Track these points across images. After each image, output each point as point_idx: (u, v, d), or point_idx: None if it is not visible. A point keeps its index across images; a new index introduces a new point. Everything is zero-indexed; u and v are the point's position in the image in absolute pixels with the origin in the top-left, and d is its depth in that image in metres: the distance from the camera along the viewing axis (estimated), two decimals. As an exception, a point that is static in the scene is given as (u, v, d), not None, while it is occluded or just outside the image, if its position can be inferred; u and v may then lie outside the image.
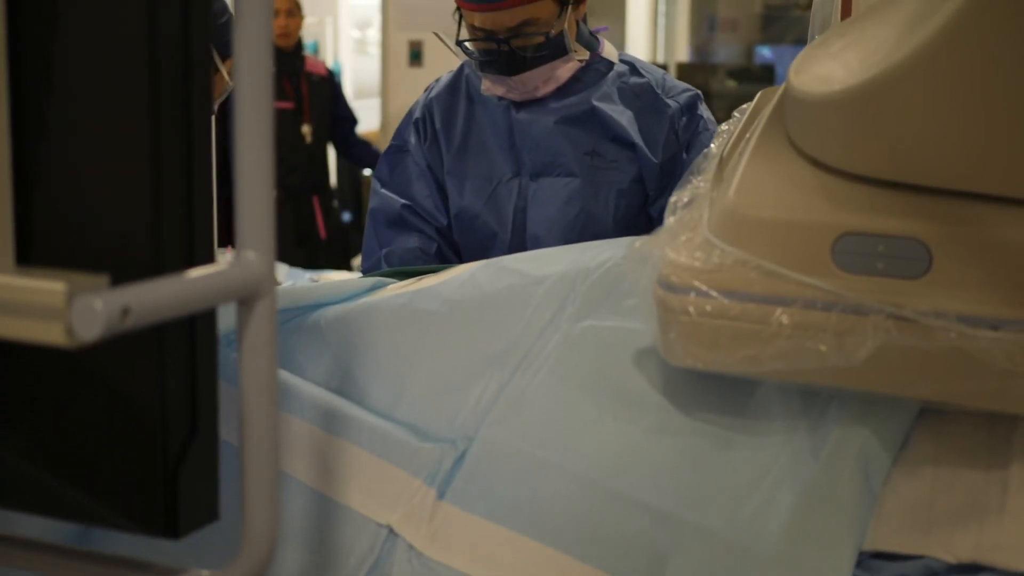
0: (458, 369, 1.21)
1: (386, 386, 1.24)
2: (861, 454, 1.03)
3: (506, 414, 1.15)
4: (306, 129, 5.04)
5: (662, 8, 8.28)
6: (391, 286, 1.39)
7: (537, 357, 1.19)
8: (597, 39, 2.00)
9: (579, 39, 1.95)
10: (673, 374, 1.11)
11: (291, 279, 3.32)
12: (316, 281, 3.31)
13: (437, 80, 2.07)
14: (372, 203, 2.03)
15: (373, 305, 1.30)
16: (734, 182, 1.05)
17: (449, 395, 1.20)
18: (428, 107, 2.02)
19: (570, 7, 1.85)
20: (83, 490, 0.88)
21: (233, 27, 0.82)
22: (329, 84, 5.19)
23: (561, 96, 1.92)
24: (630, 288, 1.10)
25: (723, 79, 6.43)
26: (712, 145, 1.22)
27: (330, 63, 7.68)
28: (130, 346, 0.81)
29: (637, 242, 1.06)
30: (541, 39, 1.82)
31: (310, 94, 5.05)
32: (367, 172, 5.58)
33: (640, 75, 1.96)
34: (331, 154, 5.43)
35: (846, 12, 1.43)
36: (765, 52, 8.32)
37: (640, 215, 1.92)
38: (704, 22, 8.59)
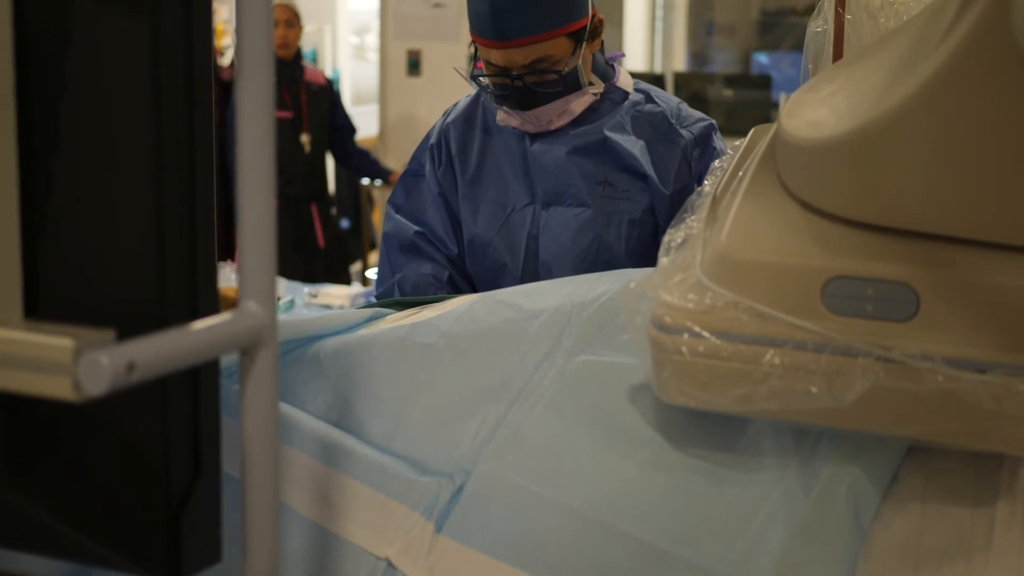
0: (456, 403, 1.23)
1: (384, 419, 1.25)
2: (851, 491, 1.05)
3: (503, 448, 1.17)
4: (305, 138, 5.06)
5: (660, 14, 8.30)
6: (389, 317, 1.41)
7: (534, 392, 1.21)
8: (613, 68, 2.01)
9: (595, 69, 1.96)
10: (667, 409, 1.13)
11: (290, 293, 3.34)
12: (315, 295, 3.33)
13: (455, 105, 2.08)
14: (386, 227, 2.05)
15: (372, 338, 1.32)
16: (727, 224, 1.07)
17: (447, 428, 1.22)
18: (444, 132, 2.04)
19: (584, 43, 1.86)
20: (87, 531, 0.90)
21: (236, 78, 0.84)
22: (328, 93, 5.21)
23: (575, 125, 1.93)
24: (625, 323, 1.12)
25: (720, 88, 6.45)
26: (706, 183, 1.24)
27: (329, 70, 7.70)
28: (134, 392, 0.82)
29: (632, 282, 1.08)
30: (554, 76, 1.83)
31: (309, 103, 5.07)
32: (365, 181, 5.59)
33: (655, 104, 1.97)
34: (330, 162, 5.45)
35: (838, 47, 1.45)
36: (762, 59, 8.34)
37: (652, 244, 1.93)
38: (701, 28, 8.62)
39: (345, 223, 6.16)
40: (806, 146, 1.05)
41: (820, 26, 1.57)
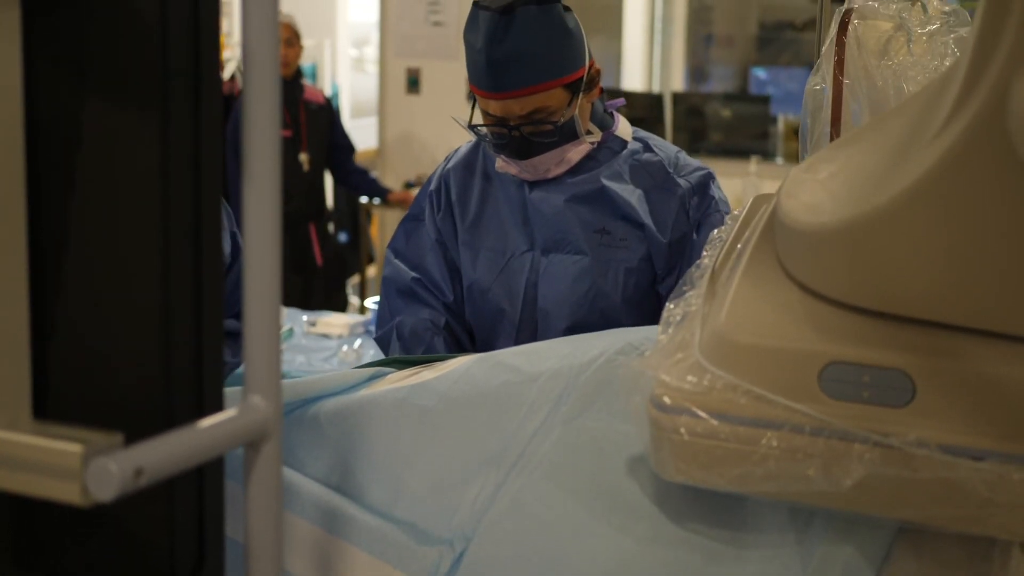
0: (455, 468, 1.25)
1: (384, 483, 1.27)
2: (846, 570, 1.06)
3: (502, 517, 1.18)
4: (304, 157, 5.07)
5: (658, 26, 8.32)
6: (389, 376, 1.42)
7: (532, 458, 1.22)
8: (612, 116, 2.02)
9: (593, 117, 1.97)
10: (665, 482, 1.14)
11: (289, 321, 3.35)
12: (313, 323, 3.34)
13: (456, 151, 2.10)
14: (386, 271, 2.07)
15: (372, 400, 1.33)
16: (725, 306, 1.08)
17: (446, 494, 1.23)
18: (444, 178, 2.05)
19: (580, 94, 1.88)
20: (92, 616, 0.91)
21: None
22: (327, 112, 5.23)
23: (573, 173, 1.95)
24: (624, 401, 1.13)
25: (718, 108, 6.47)
26: (704, 255, 1.25)
27: (328, 83, 7.72)
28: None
29: (633, 362, 1.09)
30: (550, 127, 1.85)
31: (308, 122, 5.09)
32: (364, 199, 5.60)
33: (653, 153, 1.98)
34: (328, 179, 5.47)
35: (836, 110, 1.46)
36: (760, 73, 8.35)
37: (649, 293, 1.94)
38: (700, 43, 8.63)
39: (343, 237, 6.18)
40: (805, 231, 1.06)
41: (818, 83, 1.58)
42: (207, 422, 0.83)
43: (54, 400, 0.84)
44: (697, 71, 8.66)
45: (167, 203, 0.82)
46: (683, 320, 1.14)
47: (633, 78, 7.64)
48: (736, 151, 6.09)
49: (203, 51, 0.85)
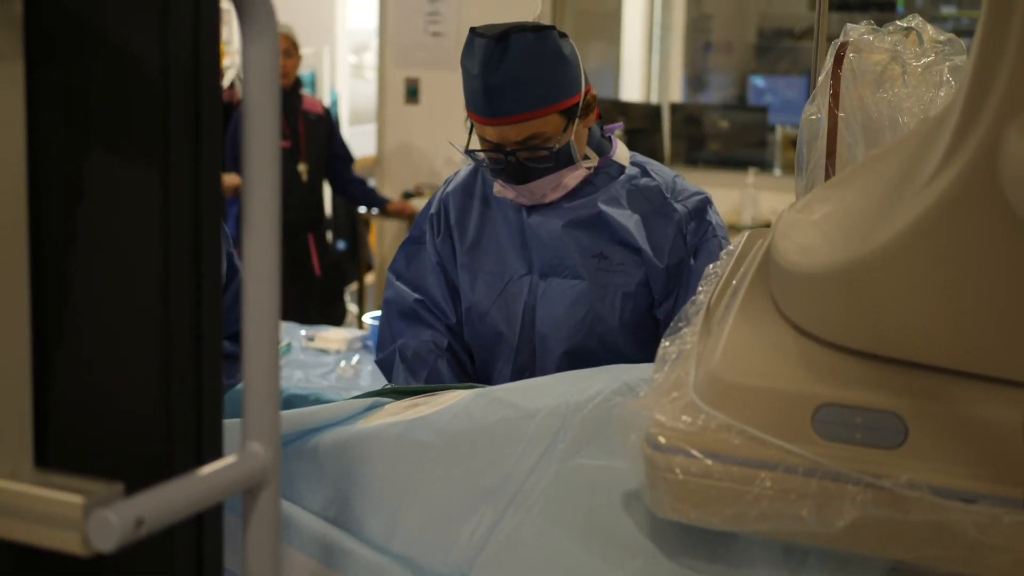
0: (452, 503, 1.26)
1: (382, 517, 1.28)
2: (839, 607, 1.07)
3: (498, 553, 1.19)
4: (302, 167, 5.08)
5: (657, 33, 8.34)
6: (388, 407, 1.43)
7: (529, 495, 1.23)
8: (610, 141, 2.03)
9: (590, 142, 1.98)
10: (659, 519, 1.15)
11: (287, 336, 3.35)
12: (312, 338, 3.35)
13: (455, 174, 2.11)
14: (387, 294, 2.08)
15: (370, 434, 1.34)
16: (720, 346, 1.09)
17: (443, 529, 1.24)
18: (444, 202, 2.06)
19: (577, 120, 1.89)
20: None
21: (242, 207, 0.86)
22: (326, 122, 5.23)
23: (570, 198, 1.96)
24: (620, 441, 1.14)
25: (716, 118, 6.48)
26: (700, 291, 1.26)
27: (327, 91, 7.72)
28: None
29: (629, 402, 1.10)
30: (545, 153, 1.86)
31: (306, 132, 5.09)
32: (362, 209, 5.61)
33: (651, 178, 1.99)
34: (326, 188, 5.47)
35: (831, 142, 1.47)
36: (758, 82, 8.37)
37: (646, 317, 1.95)
38: (698, 51, 8.65)
39: (341, 245, 6.19)
40: (799, 272, 1.08)
41: (814, 113, 1.59)
42: (207, 470, 0.84)
43: (55, 447, 0.85)
44: (695, 79, 8.68)
45: (168, 251, 0.83)
46: (678, 358, 1.15)
47: (631, 88, 7.65)
48: (734, 161, 6.11)
49: (204, 98, 0.86)
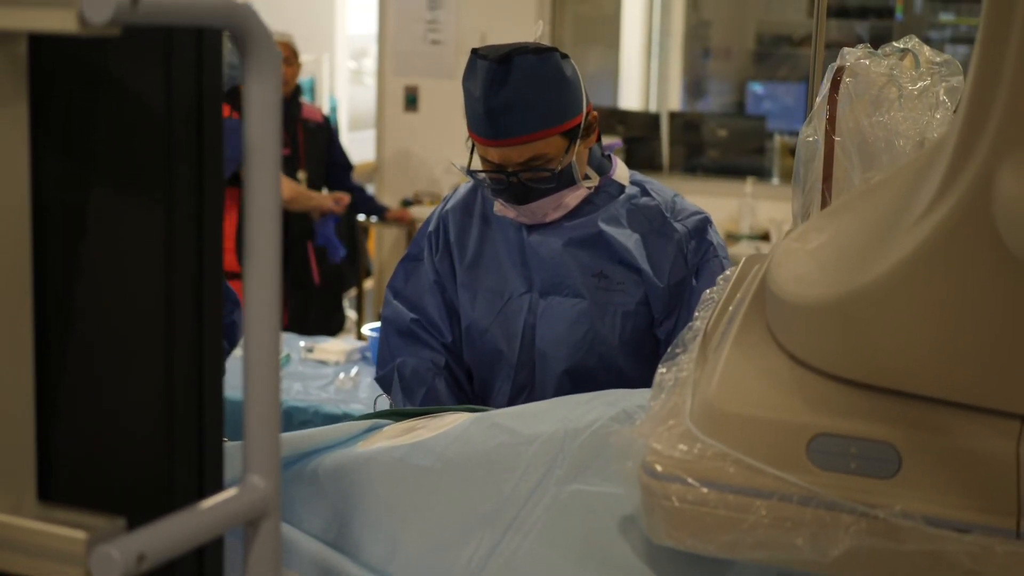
0: (451, 527, 1.26)
1: (381, 541, 1.29)
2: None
3: (496, 578, 1.20)
4: (302, 175, 5.09)
5: (656, 39, 8.36)
6: (387, 430, 1.44)
7: (527, 520, 1.24)
8: (610, 160, 2.04)
9: (591, 161, 1.99)
10: (656, 545, 1.16)
11: (285, 347, 3.36)
12: (311, 350, 3.36)
13: (454, 191, 2.12)
14: (385, 312, 2.09)
15: (370, 457, 1.35)
16: (716, 374, 1.10)
17: (442, 553, 1.25)
18: (443, 219, 2.07)
19: (578, 140, 1.90)
20: None
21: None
22: (325, 131, 5.24)
23: (570, 218, 1.97)
24: (616, 467, 1.15)
25: (715, 127, 6.50)
26: (697, 317, 1.27)
27: (327, 98, 7.73)
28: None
29: (625, 430, 1.11)
30: (547, 174, 1.87)
31: (306, 141, 5.10)
32: (361, 217, 5.62)
33: (650, 197, 2.00)
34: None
35: (828, 167, 1.48)
36: (757, 88, 8.39)
37: (646, 336, 1.96)
38: (697, 56, 8.67)
39: (340, 251, 6.19)
40: (794, 302, 1.09)
41: (811, 135, 1.60)
42: (208, 503, 0.84)
43: (58, 480, 0.86)
44: (694, 86, 8.70)
45: (171, 287, 0.84)
46: (675, 385, 1.16)
47: (630, 95, 7.67)
48: (732, 169, 6.12)
49: (206, 137, 0.87)
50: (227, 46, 4.21)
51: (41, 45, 0.83)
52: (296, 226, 5.03)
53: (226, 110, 4.07)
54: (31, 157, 0.83)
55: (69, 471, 0.86)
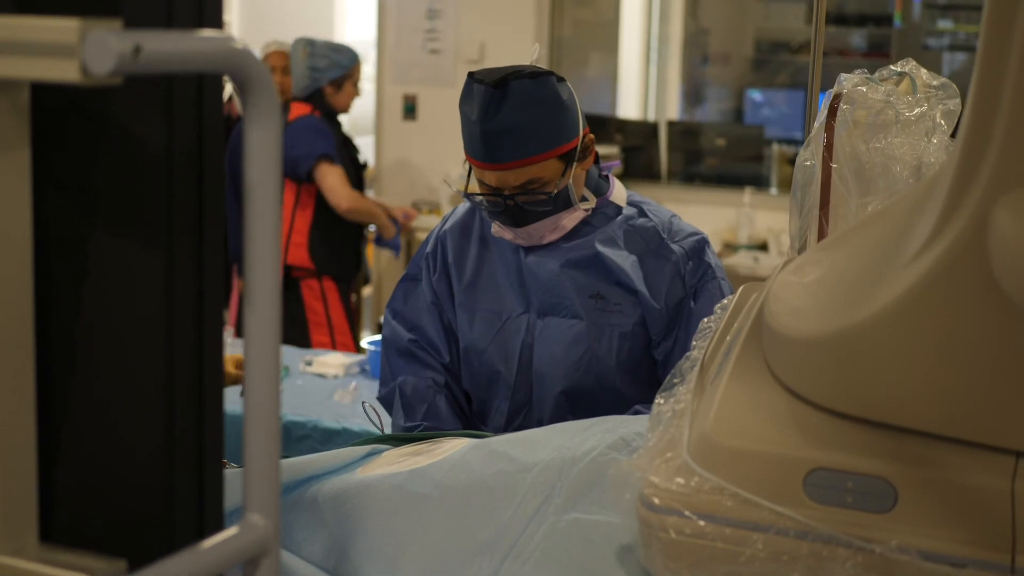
0: (449, 555, 1.27)
1: (380, 568, 1.29)
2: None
3: (494, 607, 1.21)
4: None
5: (654, 45, 8.37)
6: (386, 455, 1.44)
7: (525, 548, 1.24)
8: (608, 180, 2.05)
9: (588, 183, 2.00)
10: (652, 574, 1.17)
11: (285, 360, 3.36)
12: (310, 363, 3.36)
13: (452, 211, 2.13)
14: (384, 332, 2.09)
15: (369, 485, 1.35)
16: (713, 408, 1.11)
17: (440, 581, 1.25)
18: (441, 240, 2.08)
19: (575, 163, 1.90)
20: None
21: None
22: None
23: (568, 239, 1.98)
24: (614, 500, 1.15)
25: (713, 136, 6.51)
26: (694, 346, 1.28)
27: (325, 105, 7.72)
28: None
29: (623, 462, 1.11)
30: (545, 197, 1.88)
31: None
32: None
33: (648, 218, 2.00)
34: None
35: (825, 193, 1.49)
36: (755, 95, 8.41)
37: (644, 357, 1.96)
38: (696, 64, 8.68)
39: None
40: (791, 336, 1.09)
41: (808, 159, 1.61)
42: (208, 543, 0.85)
43: (60, 521, 0.87)
44: (693, 93, 8.71)
45: (171, 329, 0.85)
46: (672, 417, 1.16)
47: (629, 103, 7.68)
48: (730, 178, 6.13)
49: (207, 181, 0.87)
50: (305, 50, 4.24)
51: (46, 89, 0.84)
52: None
53: (307, 108, 4.18)
54: (37, 198, 0.84)
55: (70, 512, 0.87)
